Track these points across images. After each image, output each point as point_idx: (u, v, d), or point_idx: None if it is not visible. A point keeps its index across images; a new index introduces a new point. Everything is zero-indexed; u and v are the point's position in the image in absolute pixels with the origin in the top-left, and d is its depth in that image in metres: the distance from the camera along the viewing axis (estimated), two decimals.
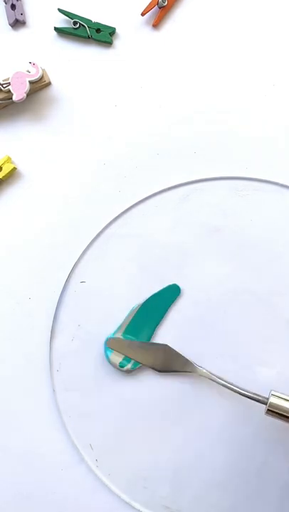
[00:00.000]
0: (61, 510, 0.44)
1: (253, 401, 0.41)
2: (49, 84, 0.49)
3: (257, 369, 0.44)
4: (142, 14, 0.49)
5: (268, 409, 0.39)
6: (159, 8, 0.49)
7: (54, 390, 0.45)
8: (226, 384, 0.42)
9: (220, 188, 0.47)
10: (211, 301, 0.45)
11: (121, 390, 0.45)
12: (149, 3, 0.49)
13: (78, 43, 0.50)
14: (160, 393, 0.44)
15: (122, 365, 0.44)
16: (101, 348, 0.45)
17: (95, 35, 0.49)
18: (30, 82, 0.47)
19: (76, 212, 0.47)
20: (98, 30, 0.49)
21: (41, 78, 0.48)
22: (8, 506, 0.44)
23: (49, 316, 0.46)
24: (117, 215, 0.47)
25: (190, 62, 0.49)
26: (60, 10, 0.50)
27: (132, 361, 0.44)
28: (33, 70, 0.47)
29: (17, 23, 0.50)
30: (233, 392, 0.41)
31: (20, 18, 0.50)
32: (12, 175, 0.48)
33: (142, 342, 0.44)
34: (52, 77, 0.49)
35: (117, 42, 0.50)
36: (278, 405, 0.39)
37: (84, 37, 0.50)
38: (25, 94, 0.47)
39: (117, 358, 0.44)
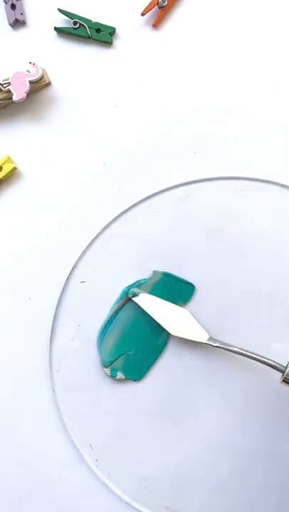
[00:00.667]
0: (61, 510, 0.44)
1: (266, 377, 0.40)
2: (49, 84, 0.49)
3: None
4: (142, 14, 0.49)
5: (285, 378, 0.39)
6: (159, 8, 0.49)
7: (54, 390, 0.45)
8: (242, 352, 0.41)
9: (220, 188, 0.47)
10: (210, 301, 0.45)
11: (121, 389, 0.45)
12: (149, 3, 0.49)
13: (78, 43, 0.50)
14: (160, 393, 0.44)
15: (113, 375, 0.44)
16: None
17: (95, 35, 0.49)
18: (30, 82, 0.47)
19: (76, 212, 0.47)
20: (98, 30, 0.49)
21: (41, 78, 0.48)
22: (8, 506, 0.44)
23: (49, 316, 0.46)
24: (117, 215, 0.47)
25: (190, 62, 0.49)
26: (60, 10, 0.50)
27: (123, 370, 0.44)
28: (33, 70, 0.47)
29: (17, 23, 0.50)
30: (247, 363, 0.41)
31: (20, 18, 0.50)
32: (12, 175, 0.48)
33: (164, 301, 0.44)
34: (52, 77, 0.49)
35: (117, 42, 0.50)
36: None
37: (84, 37, 0.50)
38: (25, 94, 0.47)
39: (106, 370, 0.44)
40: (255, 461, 0.43)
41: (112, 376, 0.44)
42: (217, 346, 0.42)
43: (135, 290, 0.45)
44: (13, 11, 0.50)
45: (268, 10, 0.49)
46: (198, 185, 0.47)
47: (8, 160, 0.48)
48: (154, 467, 0.44)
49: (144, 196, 0.47)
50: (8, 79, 0.47)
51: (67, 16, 0.50)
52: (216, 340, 0.43)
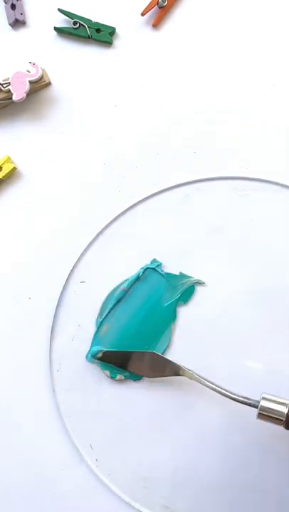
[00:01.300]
0: (61, 510, 0.44)
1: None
2: (49, 84, 0.49)
3: (252, 365, 0.43)
4: (142, 14, 0.49)
5: (260, 413, 0.38)
6: (159, 8, 0.49)
7: (54, 390, 0.45)
8: (216, 388, 0.41)
9: (220, 188, 0.47)
10: (210, 301, 0.45)
11: (121, 389, 0.45)
12: (149, 3, 0.49)
13: (78, 43, 0.50)
14: (160, 393, 0.44)
15: (113, 376, 0.44)
16: None
17: (95, 35, 0.49)
18: (30, 82, 0.47)
19: (76, 212, 0.47)
20: (98, 30, 0.49)
21: (41, 78, 0.48)
22: (8, 506, 0.44)
23: (49, 316, 0.46)
24: (117, 215, 0.47)
25: (190, 62, 0.49)
26: (60, 10, 0.50)
27: (123, 371, 0.44)
28: (33, 70, 0.47)
29: (17, 23, 0.50)
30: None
31: (20, 18, 0.50)
32: (12, 175, 0.48)
33: (128, 351, 0.44)
34: (52, 77, 0.49)
35: (117, 42, 0.50)
36: (269, 408, 0.38)
37: (84, 37, 0.50)
38: (25, 94, 0.47)
39: (106, 371, 0.44)
40: (256, 461, 0.43)
41: (112, 377, 0.44)
42: (191, 379, 0.42)
43: (97, 350, 0.44)
44: (13, 11, 0.50)
45: (267, 10, 0.49)
46: (198, 185, 0.47)
47: (8, 160, 0.48)
48: (154, 467, 0.43)
49: (144, 196, 0.47)
50: (8, 79, 0.47)
51: (67, 16, 0.50)
52: (188, 373, 0.42)
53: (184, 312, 0.45)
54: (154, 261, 0.46)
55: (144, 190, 0.47)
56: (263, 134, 0.48)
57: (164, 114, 0.48)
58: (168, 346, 0.44)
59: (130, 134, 0.48)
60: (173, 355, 0.44)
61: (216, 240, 0.46)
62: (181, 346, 0.45)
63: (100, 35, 0.49)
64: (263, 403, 0.38)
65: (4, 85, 0.47)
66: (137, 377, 0.44)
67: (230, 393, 0.40)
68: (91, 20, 0.50)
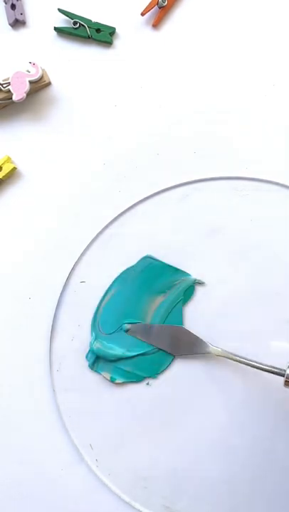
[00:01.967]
0: (61, 510, 0.44)
1: (268, 382, 0.40)
2: (49, 84, 0.49)
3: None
4: (142, 14, 0.49)
5: (286, 381, 0.39)
6: (159, 8, 0.49)
7: (54, 390, 0.45)
8: (243, 360, 0.41)
9: (220, 188, 0.47)
10: (210, 301, 0.45)
11: (121, 390, 0.45)
12: (149, 3, 0.49)
13: (78, 43, 0.50)
14: (160, 393, 0.44)
15: (113, 379, 0.44)
16: None
17: (95, 35, 0.49)
18: (30, 82, 0.47)
19: (76, 212, 0.47)
20: (98, 30, 0.49)
21: (41, 78, 0.48)
22: (9, 506, 0.44)
23: (49, 316, 0.46)
24: (117, 215, 0.47)
25: (190, 62, 0.49)
26: (60, 10, 0.50)
27: (123, 375, 0.44)
28: (33, 70, 0.47)
29: (17, 23, 0.50)
30: (249, 369, 0.41)
31: (20, 18, 0.50)
32: (12, 175, 0.48)
33: (157, 325, 0.44)
34: (52, 77, 0.49)
35: (117, 42, 0.50)
36: None
37: (84, 37, 0.50)
38: (25, 94, 0.47)
39: (107, 374, 0.44)
40: (256, 461, 0.43)
41: (112, 381, 0.44)
42: (219, 355, 0.43)
43: (127, 326, 0.45)
44: (13, 11, 0.50)
45: (267, 10, 0.49)
46: (198, 185, 0.47)
47: (8, 160, 0.48)
48: (155, 467, 0.44)
49: (144, 196, 0.47)
50: (8, 79, 0.47)
51: (67, 16, 0.50)
52: (217, 349, 0.43)
53: (183, 312, 0.45)
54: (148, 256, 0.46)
55: (144, 190, 0.47)
56: (263, 134, 0.48)
57: (164, 114, 0.48)
58: None
59: (130, 134, 0.48)
60: None
61: (215, 240, 0.46)
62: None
63: (100, 35, 0.49)
64: None
65: (4, 85, 0.47)
66: (136, 378, 0.44)
67: (258, 363, 0.41)
68: (91, 20, 0.49)
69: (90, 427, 0.44)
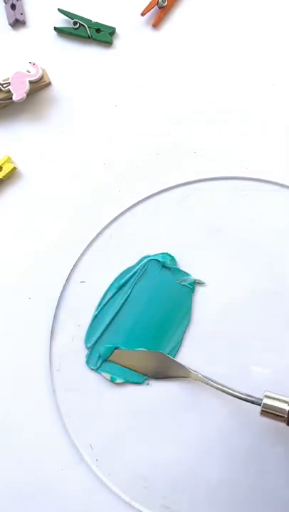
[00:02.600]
0: (61, 510, 0.44)
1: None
2: (49, 84, 0.49)
3: (254, 369, 0.44)
4: (142, 14, 0.49)
5: (262, 410, 0.39)
6: (159, 8, 0.49)
7: (54, 390, 0.45)
8: (220, 387, 0.42)
9: (220, 188, 0.47)
10: (210, 301, 0.45)
11: (121, 389, 0.45)
12: (149, 3, 0.49)
13: (78, 43, 0.50)
14: (160, 393, 0.44)
15: (113, 379, 0.44)
16: None
17: (95, 35, 0.49)
18: (30, 82, 0.47)
19: (76, 212, 0.47)
20: (98, 30, 0.49)
21: (41, 78, 0.48)
22: (9, 506, 0.44)
23: (49, 316, 0.46)
24: (117, 215, 0.47)
25: (190, 63, 0.49)
26: (60, 10, 0.50)
27: (123, 375, 0.44)
28: (33, 70, 0.47)
29: (17, 23, 0.50)
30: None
31: (20, 18, 0.50)
32: (12, 175, 0.48)
33: (136, 351, 0.44)
34: (52, 77, 0.49)
35: (117, 42, 0.50)
36: (272, 406, 0.39)
37: (84, 37, 0.50)
38: (25, 94, 0.47)
39: (107, 374, 0.44)
40: (256, 461, 0.43)
41: (112, 381, 0.44)
42: (197, 380, 0.43)
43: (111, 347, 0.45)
44: (13, 11, 0.50)
45: (267, 10, 0.49)
46: (198, 185, 0.47)
47: (8, 160, 0.48)
48: (155, 467, 0.44)
49: (144, 196, 0.47)
50: (8, 79, 0.47)
51: (67, 16, 0.50)
52: (196, 375, 0.43)
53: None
54: (165, 254, 0.45)
55: (144, 190, 0.47)
56: (262, 134, 0.48)
57: (164, 114, 0.49)
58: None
59: (130, 134, 0.48)
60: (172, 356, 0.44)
61: (216, 240, 0.46)
62: (181, 346, 0.44)
63: (100, 35, 0.49)
64: (266, 401, 0.39)
65: (4, 85, 0.47)
66: (137, 379, 0.44)
67: (236, 392, 0.41)
68: (91, 21, 0.50)
69: (90, 427, 0.44)
